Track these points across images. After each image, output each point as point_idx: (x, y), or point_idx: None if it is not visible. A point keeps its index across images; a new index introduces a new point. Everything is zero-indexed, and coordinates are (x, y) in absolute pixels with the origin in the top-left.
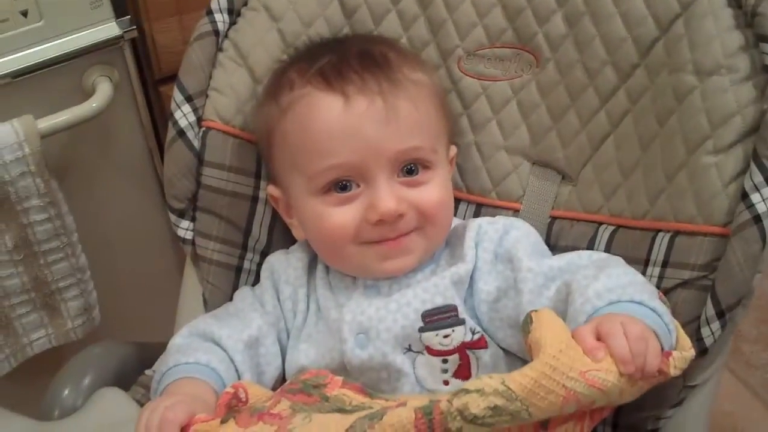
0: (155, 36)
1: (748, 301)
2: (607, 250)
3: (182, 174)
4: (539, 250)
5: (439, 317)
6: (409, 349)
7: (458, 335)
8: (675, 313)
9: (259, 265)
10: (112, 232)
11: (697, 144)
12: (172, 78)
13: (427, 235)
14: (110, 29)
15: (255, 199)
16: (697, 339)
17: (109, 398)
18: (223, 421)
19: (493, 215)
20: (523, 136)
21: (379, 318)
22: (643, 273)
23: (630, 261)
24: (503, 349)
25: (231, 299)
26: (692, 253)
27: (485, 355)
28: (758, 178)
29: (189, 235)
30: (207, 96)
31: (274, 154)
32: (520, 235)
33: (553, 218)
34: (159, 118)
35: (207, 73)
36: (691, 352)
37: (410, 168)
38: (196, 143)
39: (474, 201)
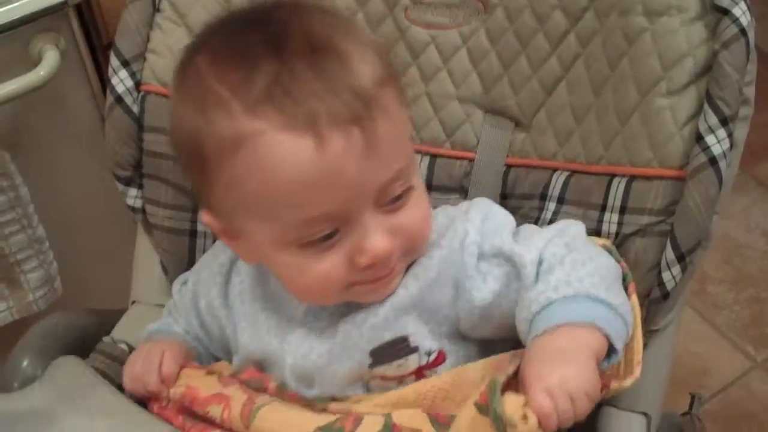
0: (101, 0)
1: (707, 243)
2: (562, 195)
3: (123, 141)
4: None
5: (389, 351)
6: (361, 380)
7: (412, 362)
8: (635, 261)
9: None
10: (69, 202)
11: (650, 86)
12: None
13: (413, 254)
14: None
15: None
16: (658, 284)
17: (68, 366)
18: (208, 373)
19: (448, 166)
20: (474, 84)
21: (323, 364)
22: (600, 220)
23: (586, 206)
24: (471, 342)
25: (189, 264)
26: (649, 197)
27: (445, 367)
28: (713, 119)
29: (138, 203)
30: (145, 59)
31: (215, 187)
32: (497, 225)
33: (509, 166)
34: (104, 83)
35: (144, 36)
36: (630, 380)
37: (395, 197)
38: (135, 109)
39: (427, 152)
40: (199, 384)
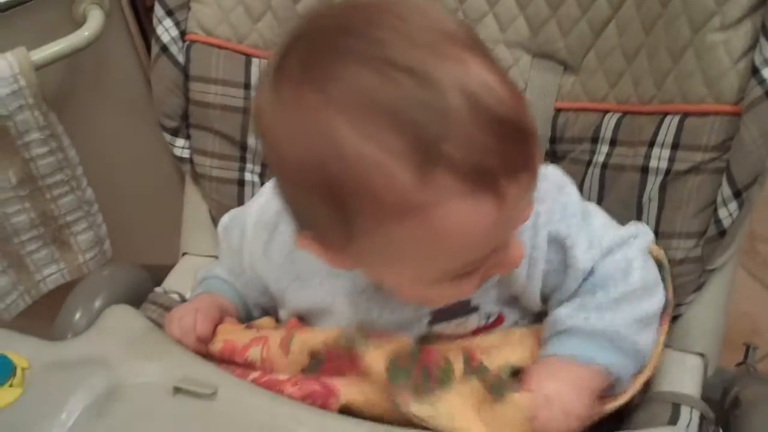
0: None
1: (764, 179)
2: (614, 137)
3: (170, 90)
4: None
5: (450, 308)
6: (418, 337)
7: (472, 322)
8: (689, 198)
9: (262, 175)
10: (116, 163)
11: (703, 22)
12: None
13: None
14: None
15: (247, 111)
16: (715, 221)
17: (120, 315)
18: (246, 328)
19: None
20: (521, 28)
21: (386, 322)
22: (648, 155)
23: (636, 144)
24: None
25: None
26: (704, 134)
27: (501, 330)
28: None
29: (186, 154)
30: (189, 8)
31: (349, 236)
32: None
33: (558, 110)
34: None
35: None
36: (624, 399)
37: None
38: (181, 58)
39: None
40: (236, 337)
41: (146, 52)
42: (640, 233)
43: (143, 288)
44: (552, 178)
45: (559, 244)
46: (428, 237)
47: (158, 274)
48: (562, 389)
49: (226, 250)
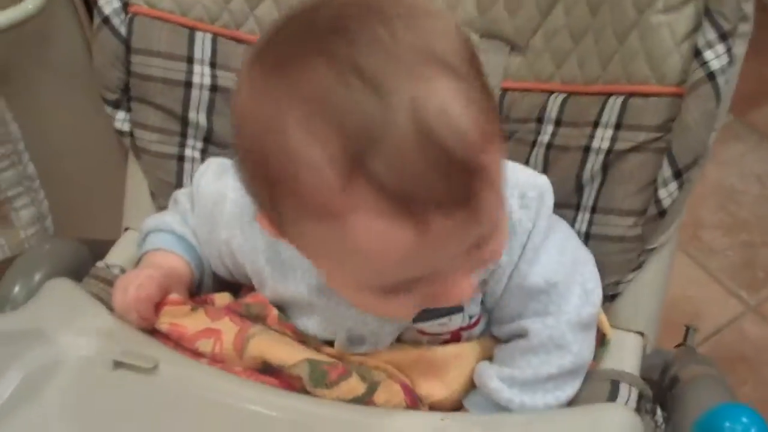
0: None
1: (704, 161)
2: (559, 117)
3: (111, 63)
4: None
5: (435, 309)
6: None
7: (455, 322)
8: (630, 177)
9: (203, 151)
10: (59, 140)
11: (647, 3)
12: None
13: None
14: None
15: (189, 85)
16: (655, 201)
17: (59, 288)
18: (193, 309)
19: None
20: (469, 7)
21: (377, 325)
22: (592, 135)
23: (581, 125)
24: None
25: (177, 188)
26: (646, 114)
27: (475, 332)
28: (711, 35)
29: (126, 127)
30: None
31: (286, 222)
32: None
33: (505, 90)
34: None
35: None
36: None
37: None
38: (123, 30)
39: None
40: (184, 321)
41: (90, 25)
42: (591, 290)
43: (84, 263)
44: (537, 189)
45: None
46: (341, 244)
47: (101, 249)
48: None
49: (198, 210)
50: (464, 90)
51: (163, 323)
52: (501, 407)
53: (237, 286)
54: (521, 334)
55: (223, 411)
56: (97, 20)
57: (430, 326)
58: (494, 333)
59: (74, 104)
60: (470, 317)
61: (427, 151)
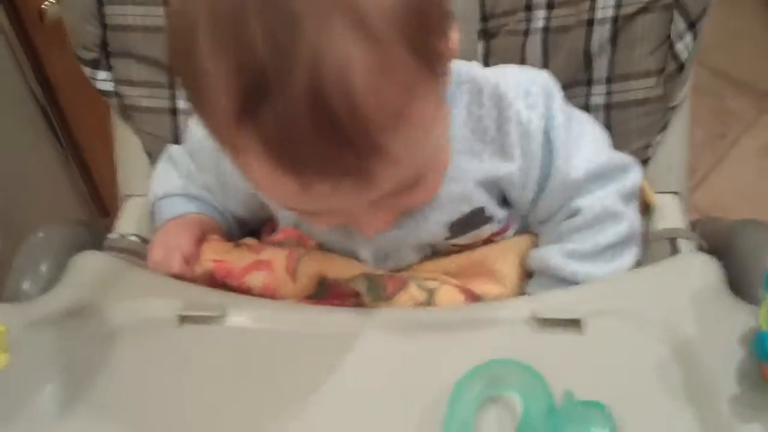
0: None
1: (710, 8)
2: (550, 0)
3: (84, 19)
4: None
5: (468, 222)
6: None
7: (486, 231)
8: (642, 37)
9: None
10: None
11: None
12: None
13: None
14: None
15: None
16: (672, 56)
17: (90, 261)
18: (236, 245)
19: None
20: None
21: (401, 238)
22: (593, 8)
23: (576, 2)
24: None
25: (174, 144)
26: None
27: (508, 235)
28: None
29: (109, 87)
30: None
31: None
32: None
33: None
34: (8, 9)
35: None
36: None
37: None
38: None
39: None
40: (230, 257)
41: (10, 22)
42: (629, 168)
43: (84, 240)
44: (541, 86)
45: (550, 147)
46: (244, 170)
47: (98, 226)
48: None
49: (203, 161)
50: (380, 61)
51: (207, 260)
52: (567, 282)
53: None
54: (572, 214)
55: (303, 341)
56: None
57: (463, 239)
58: (535, 230)
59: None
60: (499, 222)
61: (315, 117)
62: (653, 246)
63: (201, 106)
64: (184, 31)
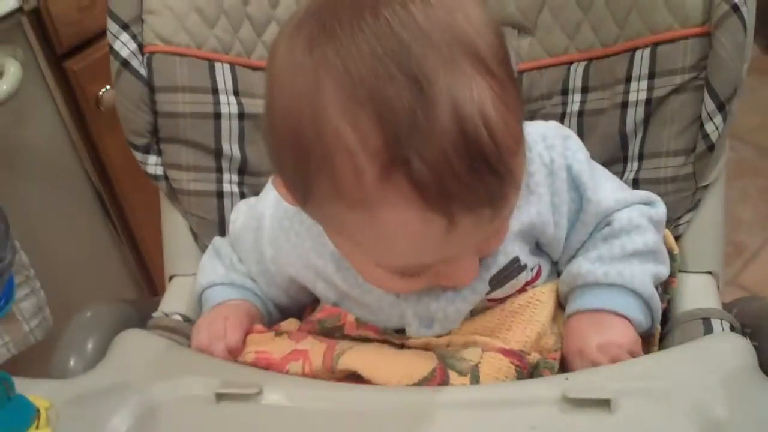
0: (49, 7)
1: (741, 90)
2: (585, 84)
3: (136, 106)
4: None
5: (505, 274)
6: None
7: (521, 280)
8: (673, 119)
9: (240, 184)
10: (43, 223)
11: None
12: (74, 51)
13: None
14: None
15: (218, 116)
16: (702, 136)
17: (133, 339)
18: (277, 335)
19: None
20: None
21: (446, 302)
22: (627, 91)
23: (611, 85)
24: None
25: (219, 225)
26: (678, 58)
27: (539, 282)
28: None
29: (159, 171)
30: (143, 21)
31: (312, 200)
32: (581, 163)
33: (521, 72)
34: (66, 94)
35: None
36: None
37: None
38: (143, 71)
39: None
40: (269, 347)
41: (65, 102)
42: (655, 202)
43: (129, 319)
44: (555, 130)
45: (577, 184)
46: (371, 230)
47: (144, 305)
48: (602, 340)
49: (244, 252)
50: (500, 93)
51: (249, 353)
52: (600, 287)
53: (300, 314)
54: (600, 228)
55: (338, 419)
56: (114, 66)
57: (500, 292)
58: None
59: (54, 185)
60: (532, 270)
61: (466, 154)
62: (686, 326)
63: (324, 167)
64: (304, 91)
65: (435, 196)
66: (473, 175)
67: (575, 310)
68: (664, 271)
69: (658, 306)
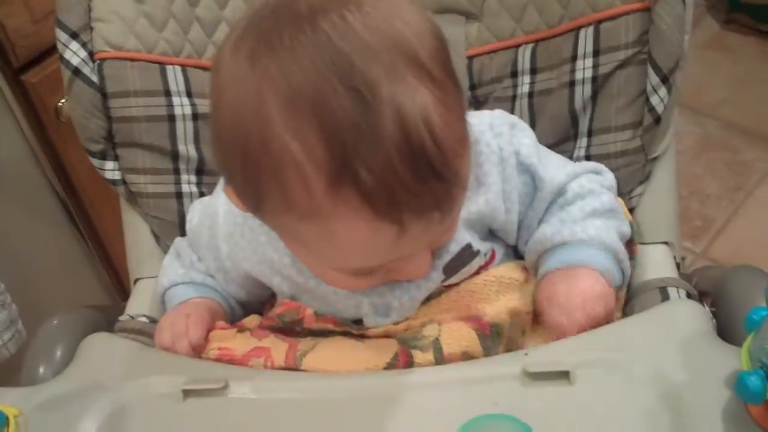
0: (3, 21)
1: (683, 62)
2: (533, 66)
3: (90, 113)
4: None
5: (458, 261)
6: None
7: (474, 266)
8: (619, 93)
9: (198, 184)
10: (11, 236)
11: None
12: (32, 63)
13: None
14: None
15: (172, 118)
16: (648, 109)
17: (100, 342)
18: (239, 332)
19: None
20: None
21: (401, 292)
22: (573, 69)
23: (557, 65)
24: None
25: (180, 226)
26: (621, 34)
27: (494, 265)
28: None
29: (117, 175)
30: (92, 28)
31: (264, 208)
32: (528, 147)
33: (471, 58)
34: (25, 107)
35: (86, 6)
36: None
37: None
38: (95, 78)
39: None
40: (232, 344)
41: (24, 116)
42: (603, 170)
43: (98, 325)
44: (502, 118)
45: (526, 167)
46: (323, 240)
47: (110, 310)
48: (572, 287)
49: (201, 250)
50: (442, 97)
51: (212, 349)
52: (568, 246)
53: (261, 309)
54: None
55: (306, 408)
56: (66, 74)
57: (455, 278)
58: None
59: (21, 202)
60: (485, 255)
61: (412, 163)
62: (644, 295)
63: (273, 181)
64: (249, 106)
65: (384, 205)
66: (420, 182)
67: (546, 271)
68: (626, 228)
69: (627, 262)
